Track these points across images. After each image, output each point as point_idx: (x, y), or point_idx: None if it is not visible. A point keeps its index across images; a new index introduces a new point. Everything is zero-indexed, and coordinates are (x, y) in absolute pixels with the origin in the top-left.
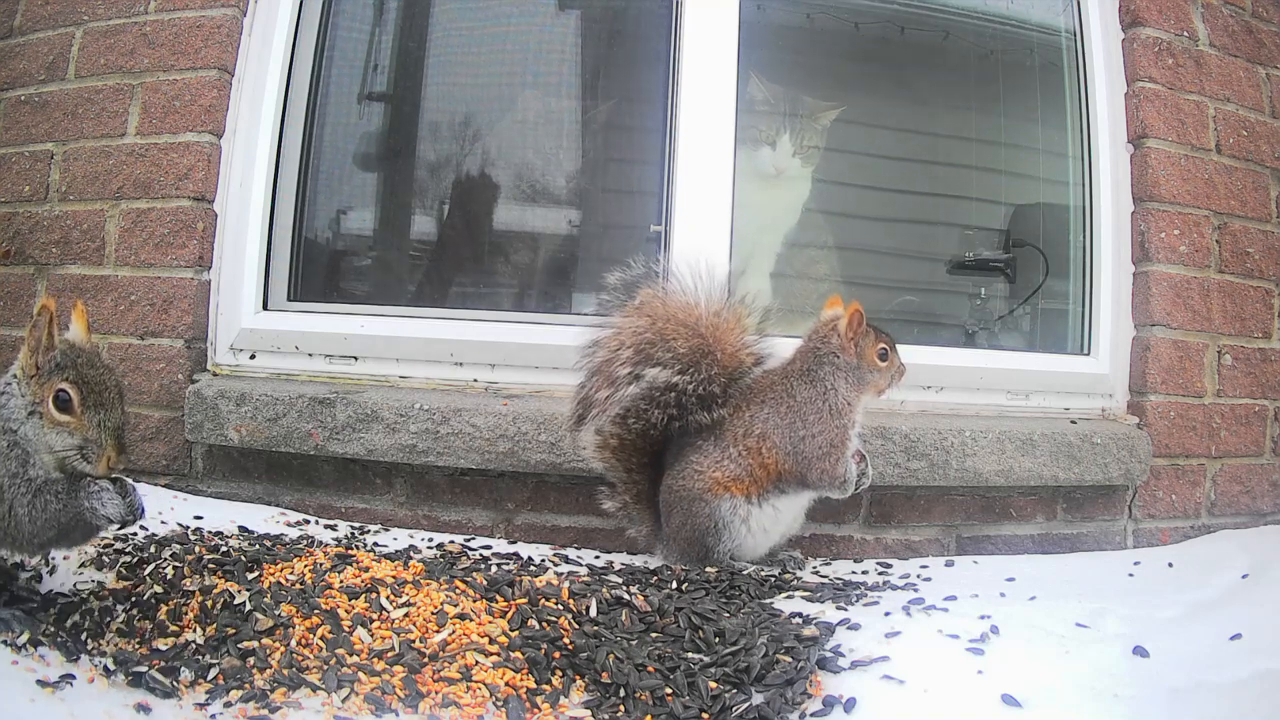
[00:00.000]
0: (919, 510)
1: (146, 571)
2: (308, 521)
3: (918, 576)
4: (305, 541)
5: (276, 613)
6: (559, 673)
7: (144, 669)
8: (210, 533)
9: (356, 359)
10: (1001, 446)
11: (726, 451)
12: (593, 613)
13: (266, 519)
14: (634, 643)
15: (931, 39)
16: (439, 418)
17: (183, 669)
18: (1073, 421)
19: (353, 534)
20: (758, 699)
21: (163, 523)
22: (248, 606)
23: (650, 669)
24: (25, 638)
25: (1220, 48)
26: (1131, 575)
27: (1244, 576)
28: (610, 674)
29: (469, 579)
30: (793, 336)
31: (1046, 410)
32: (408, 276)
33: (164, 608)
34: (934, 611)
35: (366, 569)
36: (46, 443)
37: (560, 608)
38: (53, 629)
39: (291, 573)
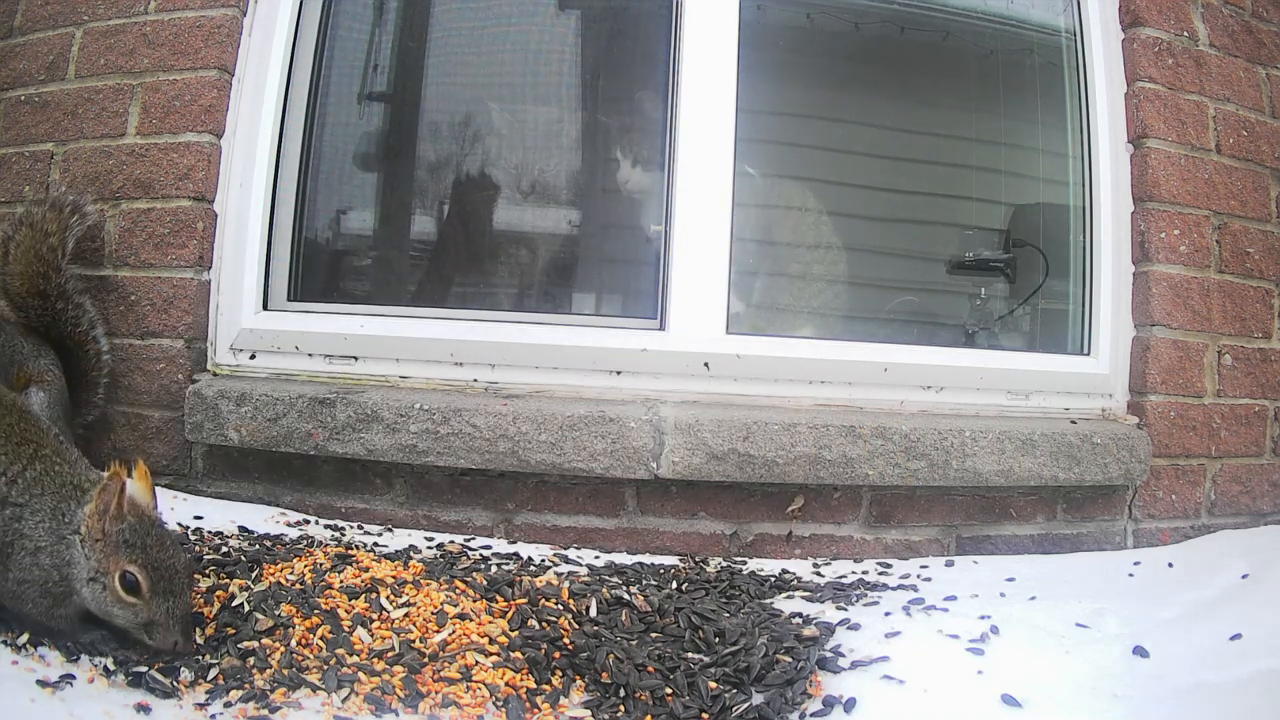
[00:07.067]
0: (919, 510)
1: None
2: (308, 521)
3: (918, 576)
4: (305, 541)
5: (276, 613)
6: (559, 673)
7: (144, 669)
8: (210, 533)
9: (356, 359)
10: (1001, 446)
11: None
12: (593, 613)
13: (266, 519)
14: (634, 643)
15: (931, 39)
16: (439, 418)
17: (183, 669)
18: (1073, 421)
19: (353, 534)
20: (758, 699)
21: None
22: (247, 606)
23: (650, 669)
24: (25, 638)
25: (1220, 48)
26: (1131, 575)
27: (1244, 576)
28: (610, 674)
29: (469, 579)
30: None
31: (1046, 410)
32: (408, 276)
33: None
34: (934, 611)
35: (366, 569)
36: (108, 612)
37: (560, 608)
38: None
39: (291, 573)
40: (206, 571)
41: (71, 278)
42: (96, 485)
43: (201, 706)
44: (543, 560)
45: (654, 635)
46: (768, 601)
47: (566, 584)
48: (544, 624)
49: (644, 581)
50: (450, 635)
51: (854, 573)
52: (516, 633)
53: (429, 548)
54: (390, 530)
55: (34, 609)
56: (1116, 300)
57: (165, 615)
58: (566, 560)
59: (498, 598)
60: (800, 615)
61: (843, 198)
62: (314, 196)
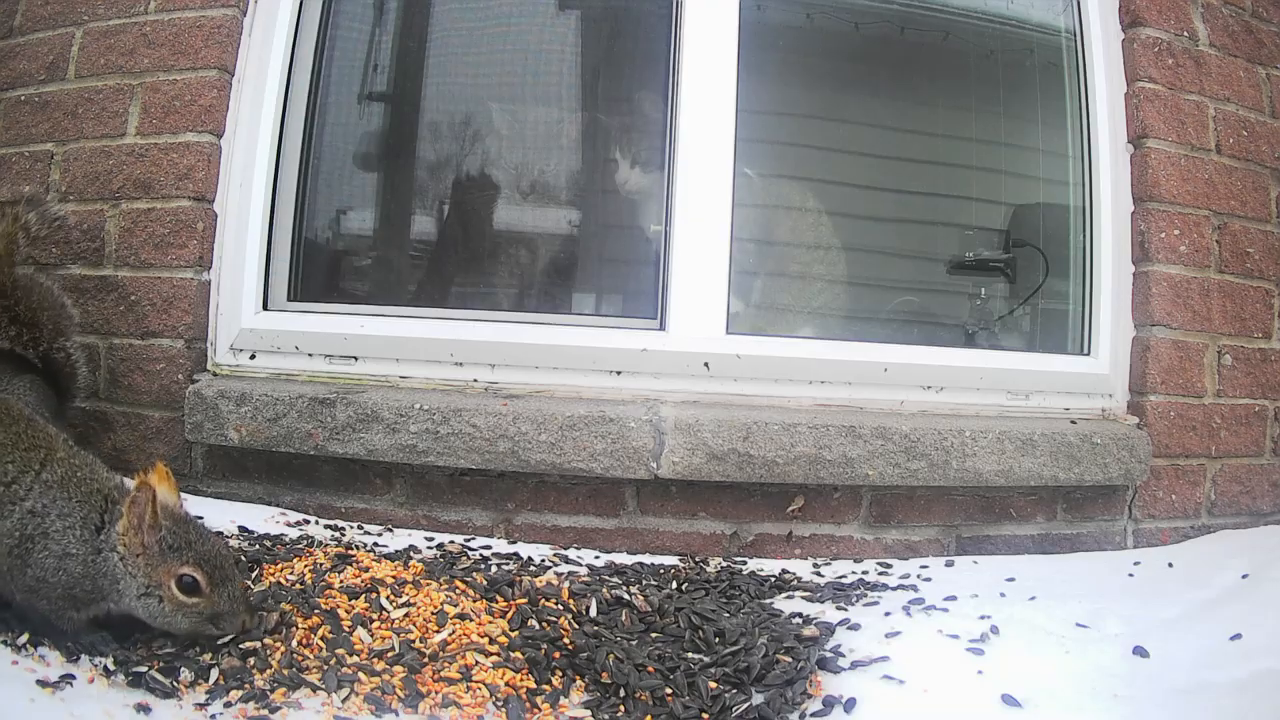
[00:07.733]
0: (919, 510)
1: None
2: (308, 521)
3: (918, 576)
4: (305, 541)
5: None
6: (559, 673)
7: (144, 669)
8: None
9: (356, 359)
10: (1001, 446)
11: None
12: (593, 613)
13: (266, 519)
14: (634, 643)
15: (931, 39)
16: (439, 418)
17: (183, 669)
18: (1073, 422)
19: (353, 534)
20: (758, 699)
21: None
22: None
23: (650, 669)
24: (25, 638)
25: (1220, 48)
26: (1131, 575)
27: (1244, 576)
28: (610, 674)
29: (469, 579)
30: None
31: (1046, 410)
32: (408, 276)
33: None
34: (934, 611)
35: (366, 569)
36: (169, 622)
37: (560, 608)
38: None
39: (291, 573)
40: None
41: (35, 274)
42: (120, 490)
43: (201, 706)
44: (543, 560)
45: (654, 635)
46: (768, 601)
47: (566, 584)
48: (544, 624)
49: (644, 581)
50: (450, 635)
51: (854, 573)
52: (516, 633)
53: (429, 548)
54: (390, 530)
55: (48, 607)
56: (1116, 300)
57: (228, 601)
58: (566, 560)
59: (498, 598)
60: (800, 615)
61: (843, 198)
62: (314, 196)
